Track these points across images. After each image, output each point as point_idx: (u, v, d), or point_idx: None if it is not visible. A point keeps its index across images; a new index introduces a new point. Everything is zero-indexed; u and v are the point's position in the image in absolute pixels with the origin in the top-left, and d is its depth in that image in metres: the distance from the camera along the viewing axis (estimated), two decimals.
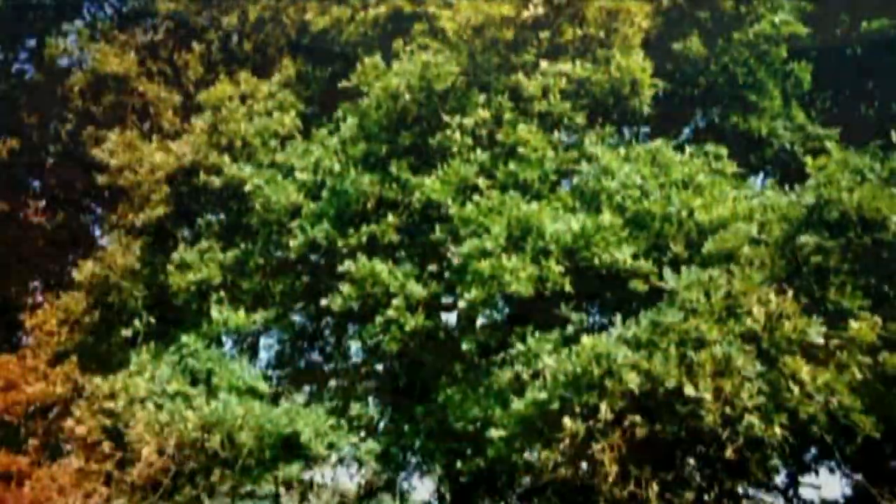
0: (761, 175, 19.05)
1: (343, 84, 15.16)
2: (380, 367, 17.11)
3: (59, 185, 21.78)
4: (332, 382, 17.05)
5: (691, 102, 18.55)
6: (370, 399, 16.31)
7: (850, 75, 20.69)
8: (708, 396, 10.16)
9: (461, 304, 12.67)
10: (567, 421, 10.51)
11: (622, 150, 14.14)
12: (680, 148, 15.21)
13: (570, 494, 11.27)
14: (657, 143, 14.16)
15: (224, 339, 24.24)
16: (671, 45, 17.25)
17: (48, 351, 16.55)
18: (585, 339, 10.97)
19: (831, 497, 15.06)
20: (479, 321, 16.97)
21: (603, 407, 10.33)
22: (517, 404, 11.26)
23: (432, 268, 13.90)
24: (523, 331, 12.98)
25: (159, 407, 13.07)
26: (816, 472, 15.26)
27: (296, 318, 18.00)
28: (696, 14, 17.22)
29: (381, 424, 15.43)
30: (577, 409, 10.58)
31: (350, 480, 16.04)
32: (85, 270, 16.57)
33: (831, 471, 15.30)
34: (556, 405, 10.71)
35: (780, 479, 15.01)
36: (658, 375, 10.37)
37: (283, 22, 18.28)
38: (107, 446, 13.42)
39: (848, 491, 15.49)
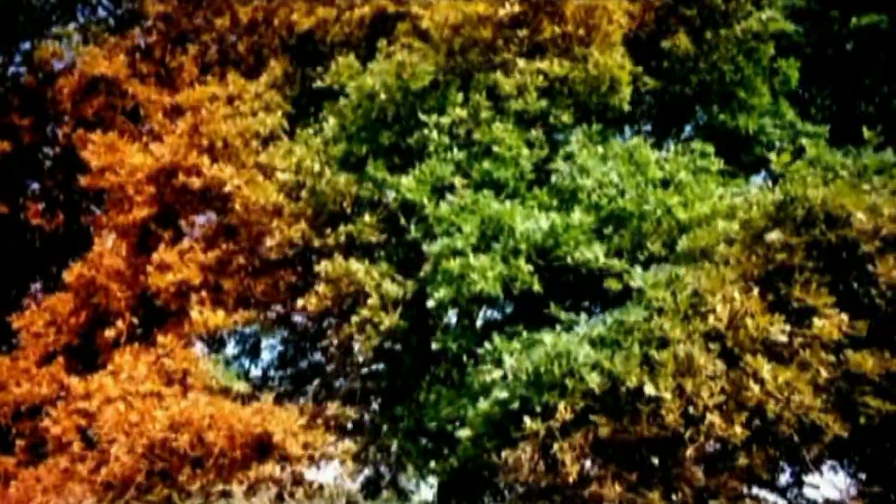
0: (763, 173, 19.00)
1: (318, 84, 15.21)
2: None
3: (57, 187, 21.92)
4: (316, 382, 17.13)
5: (685, 101, 18.47)
6: (354, 398, 16.39)
7: (848, 72, 20.57)
8: (668, 395, 10.09)
9: (430, 303, 12.63)
10: (527, 420, 10.47)
11: (600, 149, 14.05)
12: (665, 146, 15.18)
13: (536, 494, 11.20)
14: (634, 141, 14.07)
15: (227, 339, 24.50)
16: (661, 42, 17.26)
17: (36, 352, 16.64)
18: (547, 338, 10.93)
19: (835, 497, 14.97)
20: (479, 321, 17.08)
21: (561, 406, 10.28)
22: (483, 404, 11.24)
23: (409, 267, 13.90)
24: (514, 330, 12.95)
25: (130, 406, 13.13)
26: (820, 472, 15.16)
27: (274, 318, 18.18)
28: (684, 12, 17.14)
29: (362, 424, 15.45)
30: (539, 409, 10.52)
31: (328, 479, 16.05)
32: (73, 272, 16.70)
33: (834, 470, 15.20)
34: (516, 405, 10.68)
35: (784, 478, 14.94)
36: (619, 374, 10.31)
37: (274, 23, 18.33)
38: (77, 446, 13.54)
39: (853, 491, 15.39)
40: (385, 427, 14.42)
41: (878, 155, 12.04)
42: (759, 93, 17.18)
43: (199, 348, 21.02)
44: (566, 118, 14.72)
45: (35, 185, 22.37)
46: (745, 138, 17.13)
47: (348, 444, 14.04)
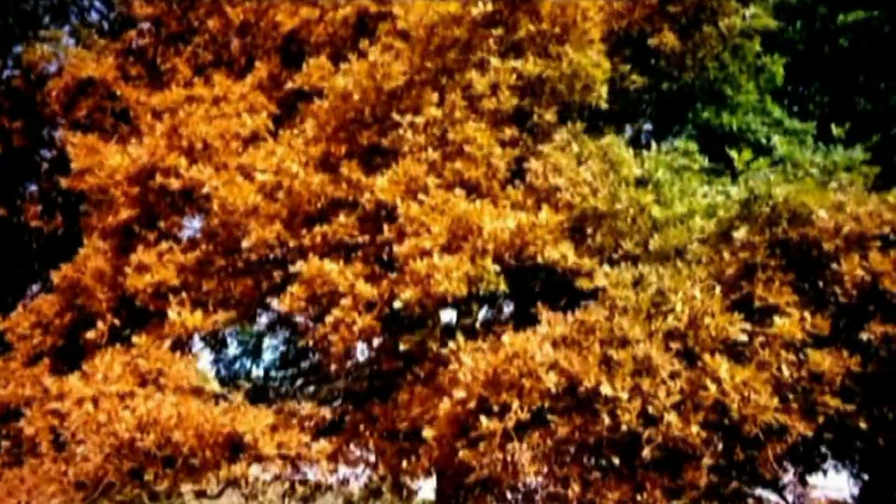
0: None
1: (289, 86, 15.26)
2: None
3: (55, 190, 22.07)
4: (299, 382, 17.18)
5: (679, 99, 18.39)
6: (337, 398, 16.47)
7: (844, 68, 20.42)
8: (624, 395, 10.05)
9: (397, 303, 12.62)
10: (484, 420, 10.45)
11: (575, 147, 13.97)
12: (646, 145, 15.10)
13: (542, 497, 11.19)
14: (608, 140, 13.96)
15: (229, 340, 24.62)
16: (647, 40, 17.22)
17: (24, 353, 16.78)
18: (505, 338, 10.92)
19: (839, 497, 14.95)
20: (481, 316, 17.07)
21: (515, 405, 10.26)
22: (445, 403, 11.23)
23: (385, 268, 13.89)
24: (503, 329, 12.89)
25: (98, 406, 13.18)
26: (824, 472, 15.10)
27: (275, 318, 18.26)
28: (669, 9, 17.07)
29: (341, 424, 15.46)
30: (497, 409, 10.51)
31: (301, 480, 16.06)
32: (60, 273, 16.82)
33: (837, 470, 15.13)
34: (472, 404, 10.67)
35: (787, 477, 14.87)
36: (577, 374, 10.28)
37: (261, 25, 18.37)
38: (45, 447, 13.63)
39: (855, 491, 15.31)
40: (362, 427, 14.41)
41: (848, 152, 11.98)
42: (745, 90, 17.10)
43: (199, 349, 21.22)
44: (549, 116, 14.62)
45: (33, 188, 22.59)
46: (730, 136, 17.04)
47: (324, 444, 14.05)
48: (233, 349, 25.50)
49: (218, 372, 25.40)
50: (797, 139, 16.49)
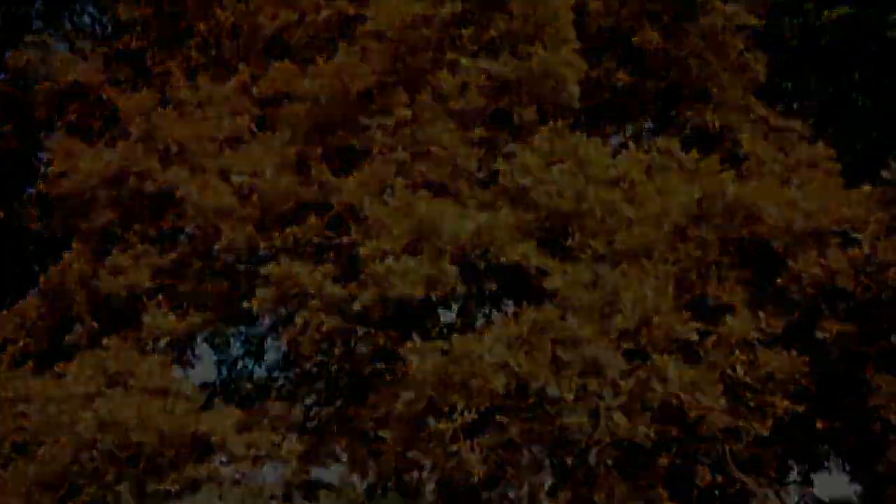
0: None
1: (258, 89, 15.30)
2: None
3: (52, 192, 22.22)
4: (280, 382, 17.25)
5: (671, 97, 18.29)
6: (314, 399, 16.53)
7: (839, 65, 20.25)
8: (570, 396, 10.00)
9: (356, 305, 12.60)
10: (431, 421, 10.44)
11: (545, 146, 13.88)
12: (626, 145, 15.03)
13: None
14: (574, 139, 13.84)
15: (232, 341, 24.71)
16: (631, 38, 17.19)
17: (9, 356, 16.86)
18: (455, 339, 10.88)
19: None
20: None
21: (460, 406, 10.24)
22: (398, 404, 11.21)
23: (353, 269, 13.87)
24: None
25: (59, 408, 13.24)
26: (829, 471, 15.03)
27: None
28: (649, 7, 17.02)
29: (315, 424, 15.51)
30: (446, 409, 10.48)
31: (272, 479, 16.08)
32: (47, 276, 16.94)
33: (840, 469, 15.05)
34: (420, 405, 10.64)
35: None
36: (525, 375, 10.23)
37: (244, 28, 18.41)
38: (7, 447, 13.72)
39: (857, 489, 15.22)
40: (335, 428, 14.44)
41: (812, 148, 11.90)
42: (729, 87, 16.94)
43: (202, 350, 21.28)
44: (529, 116, 14.57)
45: (32, 191, 22.74)
46: (714, 134, 16.91)
47: (294, 444, 14.06)
48: (235, 349, 25.58)
49: (220, 373, 25.56)
50: (780, 136, 16.36)
